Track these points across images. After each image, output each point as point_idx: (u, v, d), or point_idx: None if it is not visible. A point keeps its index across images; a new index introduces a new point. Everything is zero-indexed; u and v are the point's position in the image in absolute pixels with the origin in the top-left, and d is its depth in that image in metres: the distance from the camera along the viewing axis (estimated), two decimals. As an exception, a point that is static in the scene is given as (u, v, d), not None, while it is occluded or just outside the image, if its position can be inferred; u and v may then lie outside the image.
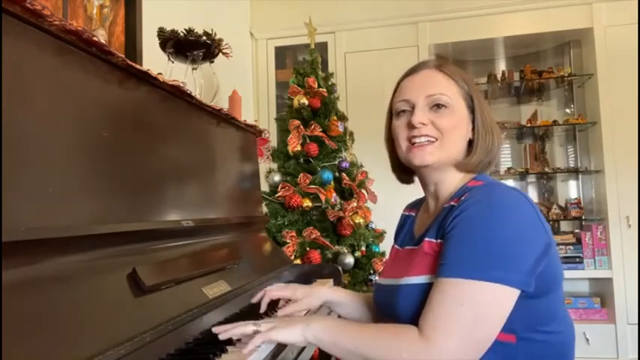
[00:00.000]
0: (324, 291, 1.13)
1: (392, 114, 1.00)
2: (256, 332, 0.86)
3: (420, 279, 0.85)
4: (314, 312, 1.22)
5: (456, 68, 0.98)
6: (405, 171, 1.04)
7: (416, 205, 1.11)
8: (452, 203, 0.88)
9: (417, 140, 0.93)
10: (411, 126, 0.93)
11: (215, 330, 0.89)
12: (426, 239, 0.89)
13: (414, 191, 1.12)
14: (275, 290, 1.10)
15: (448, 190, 0.95)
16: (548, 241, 0.82)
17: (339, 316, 1.15)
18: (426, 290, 0.82)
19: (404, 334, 0.79)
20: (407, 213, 1.12)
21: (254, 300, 1.10)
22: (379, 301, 1.00)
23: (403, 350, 0.77)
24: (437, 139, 0.93)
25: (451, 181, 0.96)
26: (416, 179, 1.05)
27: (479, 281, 0.75)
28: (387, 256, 1.14)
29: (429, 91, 0.93)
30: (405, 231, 1.06)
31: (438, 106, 0.93)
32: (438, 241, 0.86)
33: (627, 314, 2.93)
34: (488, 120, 0.95)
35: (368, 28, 3.30)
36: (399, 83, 1.00)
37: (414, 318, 0.82)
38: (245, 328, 0.87)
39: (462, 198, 0.85)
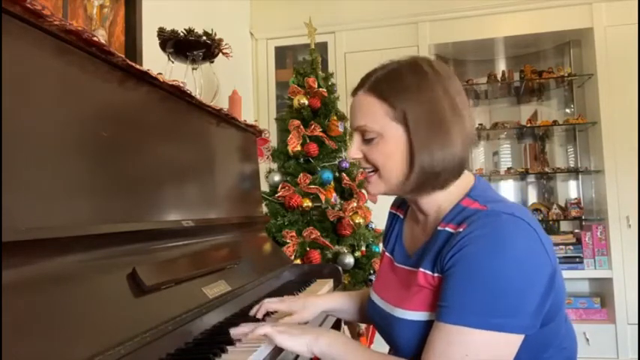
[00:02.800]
0: (321, 302, 1.12)
1: None
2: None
3: (417, 315, 0.82)
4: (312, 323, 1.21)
5: (398, 78, 0.84)
6: None
7: (402, 205, 1.05)
8: (448, 228, 0.82)
9: (362, 169, 0.90)
10: None
11: (233, 331, 0.92)
12: (421, 270, 0.83)
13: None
14: (272, 303, 1.08)
15: (432, 207, 0.89)
16: (553, 270, 0.77)
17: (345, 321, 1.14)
18: (425, 327, 0.80)
19: None
20: (394, 211, 1.07)
21: (252, 313, 1.08)
22: (374, 320, 0.98)
23: None
24: (375, 170, 0.87)
25: (429, 199, 0.89)
26: None
27: (482, 330, 0.72)
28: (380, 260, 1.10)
29: (356, 121, 0.87)
30: (395, 236, 1.01)
31: (368, 137, 0.86)
32: (435, 275, 0.81)
33: (627, 314, 2.93)
34: (428, 133, 0.82)
35: (368, 28, 3.30)
36: None
37: (413, 349, 0.81)
38: (259, 330, 0.88)
39: (460, 229, 0.78)
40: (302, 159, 2.36)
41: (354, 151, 0.88)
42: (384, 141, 0.84)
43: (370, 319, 1.01)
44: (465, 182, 0.88)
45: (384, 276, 1.00)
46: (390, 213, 1.08)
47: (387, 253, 1.03)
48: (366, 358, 0.81)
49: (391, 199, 1.07)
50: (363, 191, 2.42)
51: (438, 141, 0.82)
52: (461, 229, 0.78)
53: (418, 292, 0.83)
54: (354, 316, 1.14)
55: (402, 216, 1.03)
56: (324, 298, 1.14)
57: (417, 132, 0.82)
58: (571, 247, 3.14)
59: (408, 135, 0.83)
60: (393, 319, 0.87)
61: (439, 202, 0.88)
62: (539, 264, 0.75)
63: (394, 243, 1.01)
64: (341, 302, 1.14)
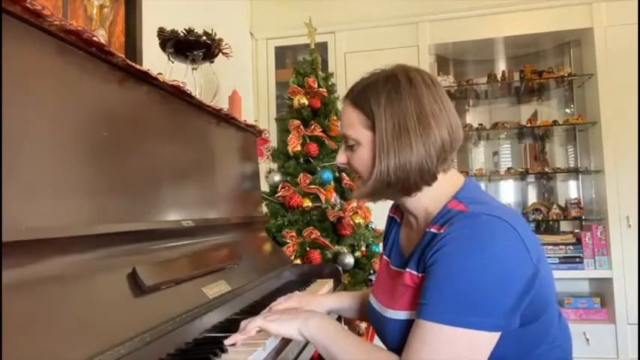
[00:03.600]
0: (328, 302, 1.15)
1: None
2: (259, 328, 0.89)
3: (403, 314, 0.84)
4: None
5: (373, 88, 0.88)
6: None
7: (400, 208, 1.05)
8: (433, 230, 0.84)
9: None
10: None
11: (228, 342, 0.90)
12: (408, 270, 0.86)
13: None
14: (281, 305, 1.08)
15: (419, 209, 0.91)
16: (535, 270, 0.77)
17: (346, 321, 1.16)
18: (410, 325, 0.81)
19: None
20: (392, 214, 1.08)
21: None
22: (370, 321, 1.00)
23: None
24: (360, 175, 0.92)
25: (414, 202, 0.91)
26: None
27: (456, 327, 0.74)
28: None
29: (341, 129, 0.93)
30: (392, 239, 1.02)
31: (350, 144, 0.91)
32: (420, 274, 0.83)
33: (627, 314, 2.93)
34: (390, 141, 0.85)
35: (368, 28, 3.30)
36: None
37: (400, 348, 0.82)
38: (251, 325, 0.90)
39: (442, 230, 0.80)
40: (302, 159, 2.36)
41: (340, 156, 0.94)
42: (361, 148, 0.89)
43: (368, 319, 1.03)
44: (453, 184, 0.89)
45: (380, 278, 1.01)
46: (389, 216, 1.09)
47: (384, 256, 1.04)
48: (354, 346, 0.83)
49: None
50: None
51: (399, 149, 0.84)
52: (442, 230, 0.80)
53: (405, 292, 0.85)
54: (358, 315, 1.16)
55: (399, 219, 1.04)
56: (331, 298, 1.18)
57: (381, 140, 0.85)
58: (571, 247, 3.14)
59: (375, 142, 0.87)
60: (385, 319, 0.89)
61: (425, 204, 0.90)
62: (517, 264, 0.76)
63: (391, 246, 1.02)
64: (347, 302, 1.17)
